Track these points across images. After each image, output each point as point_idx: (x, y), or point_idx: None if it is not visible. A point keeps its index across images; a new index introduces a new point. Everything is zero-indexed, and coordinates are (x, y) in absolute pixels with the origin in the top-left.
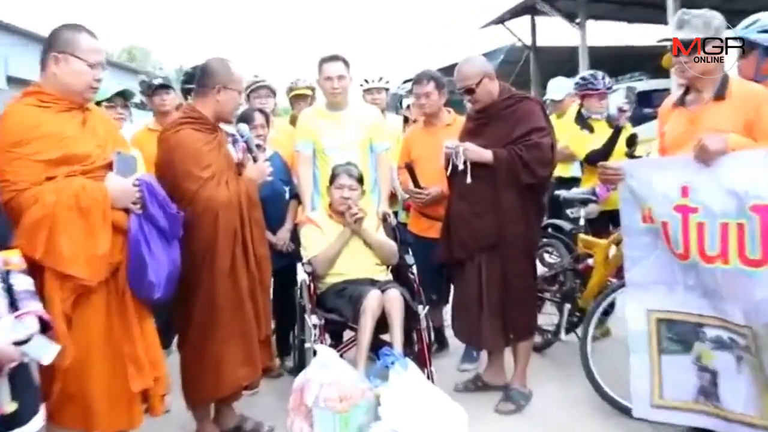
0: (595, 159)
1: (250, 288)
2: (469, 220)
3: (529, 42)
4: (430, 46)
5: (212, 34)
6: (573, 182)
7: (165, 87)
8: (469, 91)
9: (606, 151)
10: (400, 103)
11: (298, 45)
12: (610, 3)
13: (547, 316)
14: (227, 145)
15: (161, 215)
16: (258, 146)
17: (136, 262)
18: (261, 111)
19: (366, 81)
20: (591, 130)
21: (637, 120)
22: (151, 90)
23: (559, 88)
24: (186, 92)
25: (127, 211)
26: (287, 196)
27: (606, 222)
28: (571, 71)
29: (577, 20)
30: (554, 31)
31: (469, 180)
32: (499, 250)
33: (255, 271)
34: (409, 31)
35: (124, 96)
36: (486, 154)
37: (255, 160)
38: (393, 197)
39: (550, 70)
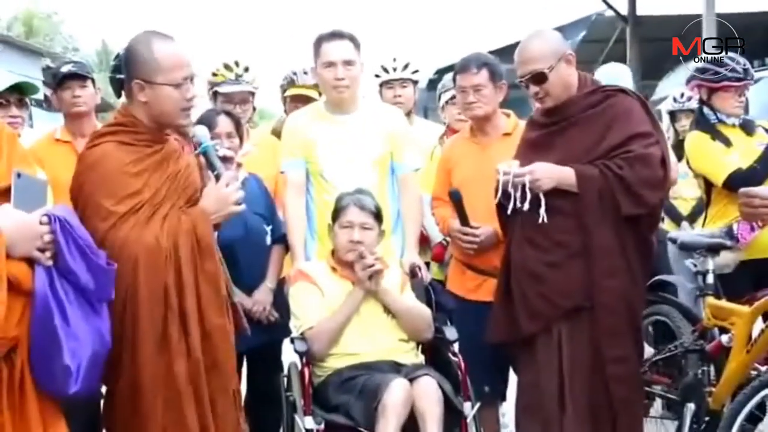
0: (742, 183)
1: (190, 377)
2: (541, 273)
3: (624, 10)
4: (479, 19)
5: None
6: None
7: (79, 77)
8: (538, 78)
9: (763, 171)
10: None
11: (290, 20)
12: None
13: (659, 423)
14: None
15: (83, 268)
16: (224, 159)
17: (44, 339)
18: (228, 114)
19: (384, 70)
20: (726, 141)
21: None
22: (58, 81)
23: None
24: (118, 85)
25: (31, 261)
26: (269, 239)
27: (749, 279)
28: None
29: None
30: None
31: (543, 219)
32: (589, 318)
33: (197, 352)
34: None
35: (20, 90)
36: (566, 175)
37: (218, 179)
38: (424, 241)
39: (657, 52)
